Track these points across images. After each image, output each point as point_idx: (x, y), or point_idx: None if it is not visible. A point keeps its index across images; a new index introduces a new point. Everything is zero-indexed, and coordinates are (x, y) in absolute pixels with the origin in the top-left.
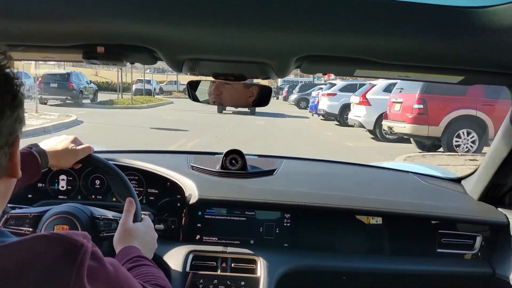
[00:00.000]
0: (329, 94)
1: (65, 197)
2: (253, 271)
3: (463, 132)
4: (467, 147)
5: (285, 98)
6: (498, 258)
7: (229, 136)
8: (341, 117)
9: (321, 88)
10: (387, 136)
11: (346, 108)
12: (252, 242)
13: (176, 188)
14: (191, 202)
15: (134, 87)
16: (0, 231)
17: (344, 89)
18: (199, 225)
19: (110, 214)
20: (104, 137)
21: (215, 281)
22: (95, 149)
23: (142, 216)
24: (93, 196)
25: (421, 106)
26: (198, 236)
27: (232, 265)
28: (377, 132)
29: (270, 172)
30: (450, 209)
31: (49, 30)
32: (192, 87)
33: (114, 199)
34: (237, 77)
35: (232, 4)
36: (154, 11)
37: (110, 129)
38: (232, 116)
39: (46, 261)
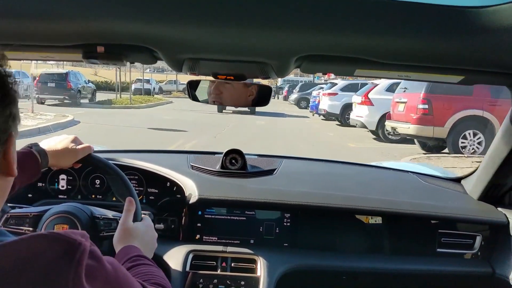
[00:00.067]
0: (330, 94)
1: (65, 196)
2: (253, 270)
3: (469, 133)
4: (473, 149)
5: (285, 98)
6: (498, 258)
7: (229, 137)
8: (342, 117)
9: (321, 88)
10: (389, 136)
11: (347, 108)
12: (252, 241)
13: (176, 188)
14: (191, 201)
15: (133, 86)
16: None
17: (345, 88)
18: (199, 224)
19: (110, 213)
20: (100, 138)
21: (215, 280)
22: (95, 149)
23: (142, 215)
24: (93, 196)
25: (426, 106)
26: (198, 236)
27: (232, 264)
28: (380, 133)
29: (270, 172)
30: (450, 209)
31: (49, 30)
32: (192, 86)
33: (114, 198)
34: (237, 77)
35: (232, 3)
36: (154, 11)
37: (107, 129)
38: (232, 116)
39: (44, 260)
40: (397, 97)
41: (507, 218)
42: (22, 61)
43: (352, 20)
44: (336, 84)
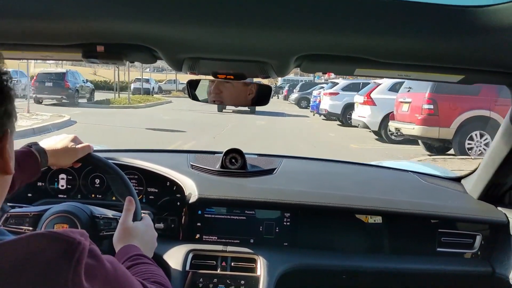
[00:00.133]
0: (331, 94)
1: (65, 196)
2: (253, 270)
3: (476, 134)
4: (480, 150)
5: (286, 97)
6: (497, 257)
7: (228, 137)
8: (343, 117)
9: (322, 87)
10: (392, 137)
11: (348, 107)
12: (252, 241)
13: (176, 187)
14: (191, 201)
15: (132, 86)
16: None
17: (346, 88)
18: (199, 224)
19: (110, 213)
20: (96, 139)
21: (215, 280)
22: (94, 148)
23: (142, 215)
24: (93, 195)
25: (431, 106)
26: (198, 235)
27: (232, 264)
28: (383, 133)
29: (270, 171)
30: (450, 208)
31: (49, 29)
32: (192, 86)
33: (114, 198)
34: (237, 76)
35: (232, 3)
36: (154, 10)
37: (104, 130)
38: (232, 116)
39: (44, 260)
40: (401, 97)
41: (507, 217)
42: (20, 60)
43: (352, 20)
44: (337, 83)
